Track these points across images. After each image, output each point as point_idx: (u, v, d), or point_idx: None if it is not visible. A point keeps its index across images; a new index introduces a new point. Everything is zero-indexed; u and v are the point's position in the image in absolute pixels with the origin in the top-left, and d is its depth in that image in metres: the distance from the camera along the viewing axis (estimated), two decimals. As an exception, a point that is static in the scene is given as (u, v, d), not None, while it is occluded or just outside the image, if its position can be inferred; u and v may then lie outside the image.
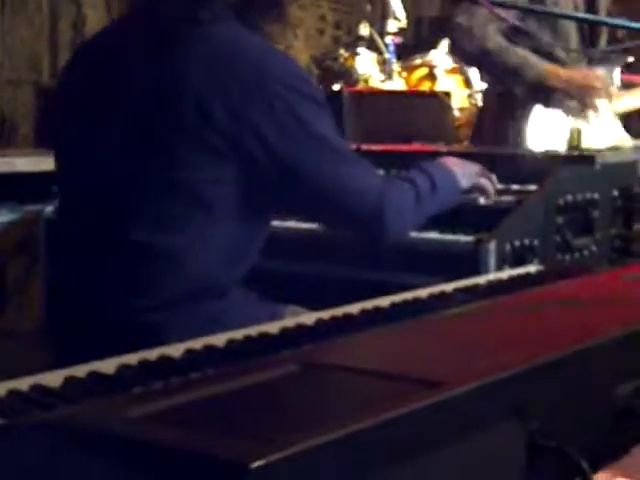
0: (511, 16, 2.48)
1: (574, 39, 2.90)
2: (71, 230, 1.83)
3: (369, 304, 1.41)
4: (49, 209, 2.54)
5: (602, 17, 2.86)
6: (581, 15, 2.81)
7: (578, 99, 2.83)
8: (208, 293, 1.71)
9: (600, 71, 2.94)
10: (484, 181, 2.03)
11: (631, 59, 3.03)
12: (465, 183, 1.98)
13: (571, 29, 2.90)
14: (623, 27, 1.85)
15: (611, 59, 2.97)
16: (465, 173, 2.00)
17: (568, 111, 2.79)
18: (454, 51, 3.10)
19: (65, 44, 4.83)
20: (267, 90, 1.63)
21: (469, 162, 2.05)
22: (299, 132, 1.65)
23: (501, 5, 1.95)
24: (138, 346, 1.45)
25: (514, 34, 2.81)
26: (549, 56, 2.88)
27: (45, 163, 1.93)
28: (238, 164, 1.64)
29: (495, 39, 2.82)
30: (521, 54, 2.83)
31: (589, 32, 2.95)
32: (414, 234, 1.98)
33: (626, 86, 3.04)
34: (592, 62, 2.98)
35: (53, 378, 1.04)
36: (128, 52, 1.73)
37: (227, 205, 1.67)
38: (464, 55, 3.00)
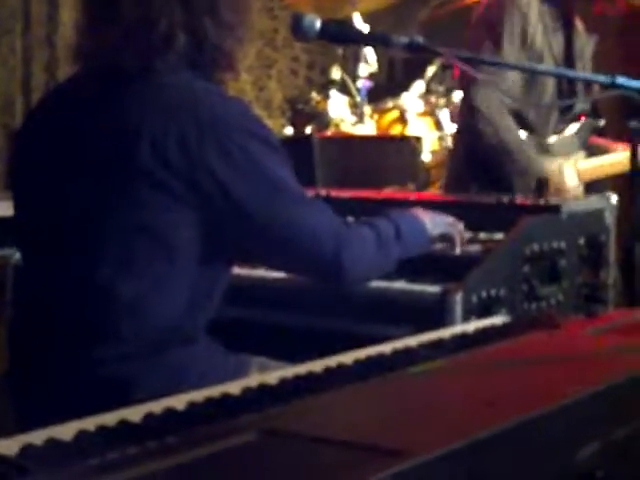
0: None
1: (549, 95, 2.92)
2: (31, 275, 1.83)
3: (332, 361, 1.40)
4: (18, 255, 2.52)
5: (575, 72, 2.89)
6: (548, 69, 2.83)
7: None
8: (173, 341, 1.70)
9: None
10: (453, 230, 2.05)
11: (602, 122, 3.06)
12: (434, 231, 2.00)
13: (548, 85, 2.92)
14: (595, 81, 1.87)
15: (583, 124, 3.00)
16: (434, 222, 2.02)
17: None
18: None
19: (38, 87, 4.82)
20: (221, 133, 1.66)
21: (438, 212, 2.07)
22: (253, 174, 1.68)
23: (477, 61, 1.96)
24: (101, 398, 1.43)
25: None
26: (520, 119, 2.90)
27: (15, 208, 1.92)
28: (197, 207, 1.66)
29: (514, 133, 2.83)
30: (531, 156, 2.85)
31: (567, 88, 2.97)
32: (381, 283, 1.99)
33: (595, 151, 3.08)
34: (565, 122, 3.01)
35: (9, 445, 1.03)
36: (88, 99, 1.77)
37: (189, 249, 1.68)
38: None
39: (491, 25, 2.84)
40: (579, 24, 3.07)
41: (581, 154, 3.01)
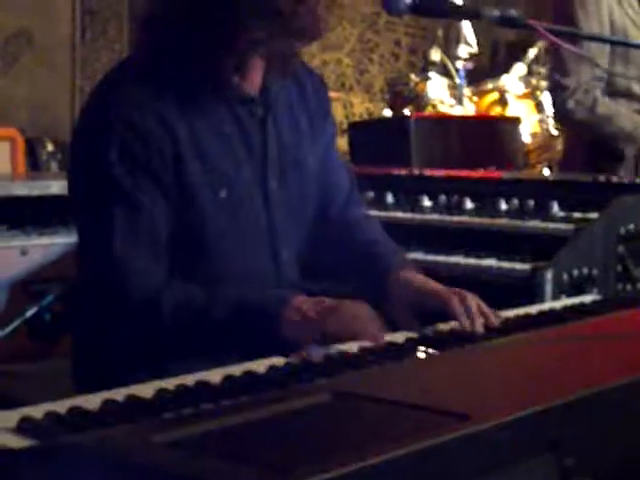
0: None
1: None
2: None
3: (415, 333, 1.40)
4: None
5: None
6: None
7: None
8: None
9: None
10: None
11: None
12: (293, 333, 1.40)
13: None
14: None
15: None
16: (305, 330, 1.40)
17: None
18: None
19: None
20: None
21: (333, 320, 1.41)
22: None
23: (569, 33, 1.90)
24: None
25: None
26: (626, 94, 2.82)
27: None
28: None
29: (604, 102, 2.75)
30: (634, 117, 2.76)
31: None
32: (470, 260, 1.97)
33: None
34: None
35: (92, 400, 1.06)
36: None
37: None
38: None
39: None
40: None
41: None
